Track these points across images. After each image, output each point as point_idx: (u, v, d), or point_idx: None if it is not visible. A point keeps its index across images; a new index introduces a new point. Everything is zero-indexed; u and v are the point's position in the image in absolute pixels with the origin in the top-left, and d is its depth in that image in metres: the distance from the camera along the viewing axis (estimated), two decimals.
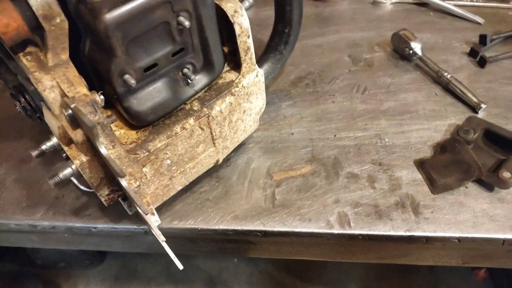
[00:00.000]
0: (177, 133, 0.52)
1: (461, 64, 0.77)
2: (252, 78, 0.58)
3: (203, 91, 0.56)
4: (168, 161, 0.53)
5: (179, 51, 0.49)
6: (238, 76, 0.57)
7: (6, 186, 0.67)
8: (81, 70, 0.46)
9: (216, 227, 0.58)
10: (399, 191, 0.60)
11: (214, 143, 0.57)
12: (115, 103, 0.50)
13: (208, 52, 0.52)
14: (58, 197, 0.64)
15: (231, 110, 0.57)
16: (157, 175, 0.53)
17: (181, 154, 0.54)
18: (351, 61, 0.81)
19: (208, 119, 0.54)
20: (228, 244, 0.62)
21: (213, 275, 1.56)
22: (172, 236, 0.59)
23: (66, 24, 0.42)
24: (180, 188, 0.58)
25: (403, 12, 0.91)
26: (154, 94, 0.50)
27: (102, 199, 0.51)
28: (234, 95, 0.56)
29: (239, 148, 0.67)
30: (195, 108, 0.54)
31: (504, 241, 0.55)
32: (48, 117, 0.47)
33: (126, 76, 0.45)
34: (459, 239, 0.56)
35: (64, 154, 0.49)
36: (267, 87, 0.63)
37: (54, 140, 0.49)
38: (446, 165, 0.61)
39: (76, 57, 0.46)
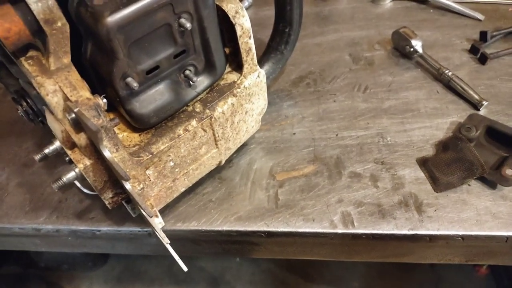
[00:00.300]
0: (180, 135, 0.52)
1: (462, 61, 0.77)
2: (254, 78, 0.58)
3: (205, 92, 0.56)
4: (171, 163, 0.53)
5: (181, 53, 0.49)
6: (240, 77, 0.57)
7: (9, 191, 0.67)
8: (83, 73, 0.46)
9: (220, 228, 0.58)
10: (402, 190, 0.60)
11: (216, 144, 0.57)
12: (117, 106, 0.50)
13: (209, 54, 0.51)
14: (61, 200, 0.64)
15: (233, 111, 0.57)
16: (161, 177, 0.53)
17: (184, 156, 0.54)
18: (351, 60, 0.81)
19: (211, 120, 0.54)
20: (232, 245, 0.62)
21: (216, 275, 1.56)
22: (176, 238, 0.59)
23: (67, 28, 0.42)
24: (183, 189, 0.58)
25: (403, 10, 0.91)
26: (156, 96, 0.50)
27: (106, 202, 0.51)
28: (236, 96, 0.56)
29: (242, 148, 0.67)
30: (198, 110, 0.54)
31: (507, 238, 0.55)
32: (51, 121, 0.47)
33: (129, 79, 0.45)
34: (463, 237, 0.56)
35: (68, 158, 0.49)
36: (268, 87, 0.63)
37: (57, 144, 0.49)
38: (449, 163, 0.61)
39: (78, 60, 0.46)
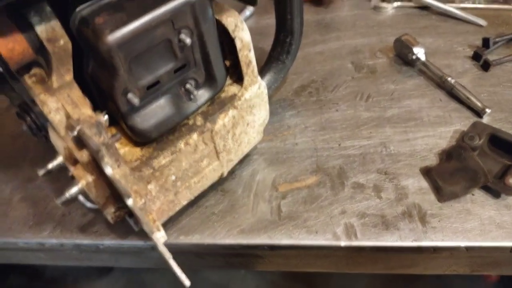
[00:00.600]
0: (181, 149, 0.52)
1: (465, 68, 0.77)
2: (255, 90, 0.58)
3: (206, 105, 0.56)
4: (173, 177, 0.53)
5: (181, 67, 0.49)
6: (240, 89, 0.57)
7: (13, 205, 0.67)
8: (85, 88, 0.46)
9: (223, 241, 0.58)
10: (406, 200, 0.60)
11: (218, 156, 0.57)
12: (118, 120, 0.50)
13: (210, 67, 0.52)
14: (64, 214, 0.64)
15: (234, 123, 0.57)
16: (162, 191, 0.53)
17: (186, 169, 0.54)
18: (353, 68, 0.81)
19: (212, 133, 0.54)
20: (235, 258, 0.62)
21: (220, 286, 1.56)
22: (179, 251, 0.59)
23: (69, 45, 0.42)
24: (185, 202, 0.58)
25: (405, 17, 0.91)
26: (157, 110, 0.50)
27: (109, 217, 0.51)
28: (237, 108, 0.56)
29: (244, 159, 0.67)
30: (198, 123, 0.54)
31: (511, 248, 0.55)
32: (53, 137, 0.48)
33: (130, 95, 0.45)
34: (467, 248, 0.55)
35: (70, 174, 0.49)
36: (270, 97, 0.63)
37: (59, 159, 0.50)
38: (452, 173, 0.60)
39: (79, 75, 0.46)
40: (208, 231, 0.60)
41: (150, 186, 0.50)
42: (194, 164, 0.55)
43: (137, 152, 0.51)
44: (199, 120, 0.54)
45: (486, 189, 0.59)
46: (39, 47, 0.42)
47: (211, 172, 0.58)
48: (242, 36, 0.51)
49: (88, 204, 0.62)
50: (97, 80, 0.46)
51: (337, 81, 0.79)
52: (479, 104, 0.68)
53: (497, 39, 0.78)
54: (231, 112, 0.55)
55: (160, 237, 0.54)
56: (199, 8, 0.44)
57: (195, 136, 0.52)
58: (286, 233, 0.58)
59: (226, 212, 0.62)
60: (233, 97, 0.56)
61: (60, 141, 0.46)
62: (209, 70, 0.52)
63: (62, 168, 0.50)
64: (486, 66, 0.75)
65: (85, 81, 0.47)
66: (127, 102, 0.45)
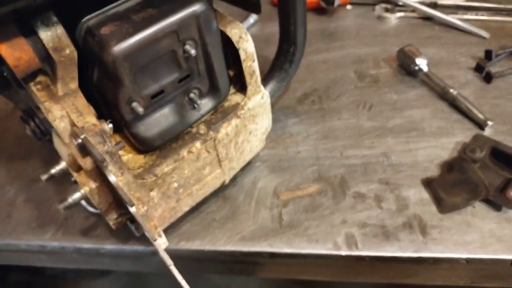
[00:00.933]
0: (184, 157, 0.52)
1: (467, 80, 0.77)
2: (258, 100, 0.58)
3: (209, 114, 0.56)
4: (175, 184, 0.54)
5: (186, 77, 0.50)
6: (243, 99, 0.57)
7: (17, 207, 0.68)
8: (89, 96, 0.47)
9: (223, 248, 0.59)
10: (407, 211, 0.60)
11: (220, 165, 0.58)
12: (122, 128, 0.51)
13: (213, 77, 0.52)
14: (67, 217, 0.65)
15: (237, 132, 0.57)
16: (164, 198, 0.53)
17: (188, 177, 0.55)
18: (356, 77, 0.82)
19: (214, 142, 0.55)
20: (235, 265, 0.62)
21: (222, 286, 1.56)
22: (180, 257, 0.59)
23: (75, 55, 0.43)
24: (187, 209, 0.59)
25: (408, 27, 0.91)
26: (161, 119, 0.50)
27: (111, 223, 0.52)
28: (240, 117, 0.56)
29: (246, 166, 0.67)
30: (202, 132, 0.54)
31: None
32: (58, 144, 0.48)
33: (134, 104, 0.46)
34: (467, 260, 0.55)
35: (73, 179, 0.50)
36: (273, 105, 0.64)
37: (63, 164, 0.50)
38: (454, 185, 0.60)
39: (84, 83, 0.47)
40: (208, 237, 0.60)
41: (153, 193, 0.51)
42: (196, 172, 0.55)
43: (140, 159, 0.52)
44: (202, 129, 0.54)
45: (487, 202, 0.59)
46: (45, 56, 0.42)
47: (213, 179, 0.59)
48: (246, 47, 0.52)
49: (90, 208, 0.63)
50: (102, 89, 0.46)
51: (340, 90, 0.79)
52: (481, 116, 0.68)
53: (499, 52, 0.79)
54: (234, 121, 0.56)
55: (161, 243, 0.55)
56: (203, 20, 0.45)
57: (198, 144, 0.53)
58: (287, 241, 0.58)
59: (227, 219, 0.62)
60: (236, 106, 0.57)
61: (64, 148, 0.47)
62: (213, 80, 0.52)
63: (65, 173, 0.51)
64: (488, 78, 0.76)
65: (89, 89, 0.48)
66: (132, 111, 0.46)
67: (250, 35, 0.53)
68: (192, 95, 0.51)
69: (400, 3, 0.93)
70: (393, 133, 0.70)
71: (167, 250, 0.52)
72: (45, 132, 0.56)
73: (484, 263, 0.55)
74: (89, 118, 0.43)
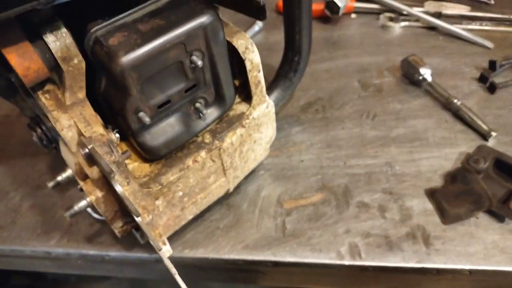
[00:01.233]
0: (189, 166, 0.53)
1: (471, 90, 0.78)
2: (263, 109, 0.59)
3: (214, 123, 0.57)
4: (180, 193, 0.54)
5: (192, 87, 0.50)
6: (248, 108, 0.58)
7: (22, 213, 0.68)
8: (96, 105, 0.47)
9: (227, 256, 0.59)
10: (410, 222, 0.60)
11: (225, 173, 0.58)
12: (129, 137, 0.51)
13: (219, 87, 0.53)
14: (72, 224, 0.65)
15: (241, 141, 0.58)
16: (169, 206, 0.54)
17: (193, 185, 0.55)
18: (360, 86, 0.82)
19: (219, 151, 0.55)
20: (238, 273, 0.63)
21: None
22: (183, 265, 0.60)
23: (83, 64, 0.44)
24: (191, 217, 0.59)
25: (412, 36, 0.92)
26: (167, 129, 0.51)
27: (116, 231, 0.52)
28: (245, 127, 0.57)
29: (250, 175, 0.68)
30: (207, 141, 0.55)
31: None
32: (64, 152, 0.49)
33: (141, 114, 0.46)
34: (470, 271, 0.55)
35: (79, 187, 0.50)
36: (276, 113, 0.64)
37: (69, 172, 0.51)
38: (457, 195, 0.61)
39: (91, 92, 0.47)
40: (212, 245, 0.60)
41: (158, 202, 0.51)
42: (201, 180, 0.55)
43: (145, 168, 0.52)
44: (208, 138, 0.55)
45: (490, 213, 0.59)
46: (53, 65, 0.43)
47: (218, 188, 0.59)
48: (252, 57, 0.53)
49: (95, 215, 0.64)
50: (109, 98, 0.47)
51: (344, 99, 0.80)
52: (484, 126, 0.69)
53: (503, 62, 0.79)
54: (239, 131, 0.56)
55: (165, 251, 0.55)
56: (211, 31, 0.45)
57: (203, 153, 0.53)
58: (290, 251, 0.59)
59: (230, 227, 0.62)
60: (241, 116, 0.57)
61: (71, 156, 0.47)
62: (219, 90, 0.53)
63: (71, 180, 0.52)
64: (492, 89, 0.76)
65: (96, 98, 0.48)
66: (138, 120, 0.46)
67: (254, 43, 0.54)
68: (198, 104, 0.52)
69: (405, 13, 0.94)
70: (396, 143, 0.71)
71: (171, 258, 0.52)
72: (52, 139, 0.56)
73: (487, 274, 0.55)
74: (97, 127, 0.44)
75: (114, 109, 0.48)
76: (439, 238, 0.58)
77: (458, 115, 0.73)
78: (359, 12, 0.99)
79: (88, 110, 0.45)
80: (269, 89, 0.69)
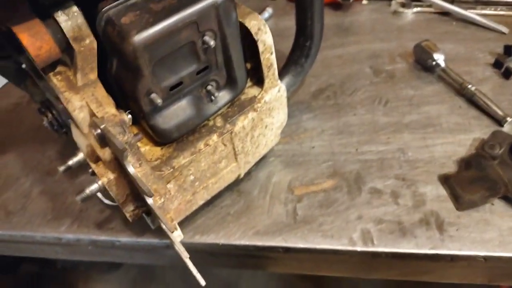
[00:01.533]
0: (201, 149, 0.52)
1: (485, 76, 0.76)
2: (275, 93, 0.58)
3: (226, 107, 0.56)
4: (192, 177, 0.54)
5: (204, 69, 0.49)
6: (260, 92, 0.57)
7: (32, 198, 0.68)
8: (107, 87, 0.47)
9: (238, 242, 0.58)
10: (423, 208, 0.59)
11: (236, 158, 0.58)
12: (140, 120, 0.51)
13: (231, 69, 0.52)
14: (82, 210, 0.65)
15: (253, 125, 0.57)
16: (181, 190, 0.53)
17: (204, 170, 0.54)
18: (372, 72, 0.81)
19: (231, 135, 0.54)
20: (249, 259, 0.62)
21: (230, 282, 1.56)
22: (194, 250, 0.59)
23: (95, 45, 0.43)
24: (202, 202, 0.59)
25: (425, 22, 0.90)
26: (179, 111, 0.50)
27: (127, 215, 0.52)
28: (257, 111, 0.56)
29: (260, 161, 0.67)
30: (218, 125, 0.54)
31: None
32: (76, 135, 0.48)
33: (153, 95, 0.46)
34: (485, 258, 0.54)
35: (91, 170, 0.50)
36: (288, 100, 0.63)
37: (80, 156, 0.50)
38: (471, 181, 0.60)
39: (103, 74, 0.47)
40: (223, 231, 0.60)
41: (170, 186, 0.51)
42: (212, 165, 0.55)
43: (157, 151, 0.52)
44: (219, 122, 0.54)
45: (506, 199, 0.58)
46: (65, 46, 0.42)
47: (229, 173, 0.58)
48: (265, 39, 0.52)
49: (106, 201, 0.63)
50: (121, 80, 0.46)
51: (355, 85, 0.79)
52: (500, 112, 0.67)
53: None
54: (251, 115, 0.55)
55: (177, 236, 0.55)
56: (223, 11, 0.44)
57: (214, 137, 0.53)
58: (301, 237, 0.58)
59: (241, 213, 0.62)
60: (253, 100, 0.56)
61: (83, 139, 0.47)
62: (231, 72, 0.52)
63: (82, 165, 0.51)
64: (507, 74, 0.74)
65: (107, 80, 0.48)
66: (150, 102, 0.46)
67: None
68: (209, 87, 0.51)
69: None
70: (409, 129, 0.70)
71: (182, 244, 0.52)
72: (62, 124, 0.56)
73: (502, 261, 0.54)
74: (109, 108, 0.43)
75: (125, 92, 0.47)
76: (454, 225, 0.57)
77: (472, 100, 0.71)
78: None
79: (100, 91, 0.44)
80: (280, 75, 0.68)
